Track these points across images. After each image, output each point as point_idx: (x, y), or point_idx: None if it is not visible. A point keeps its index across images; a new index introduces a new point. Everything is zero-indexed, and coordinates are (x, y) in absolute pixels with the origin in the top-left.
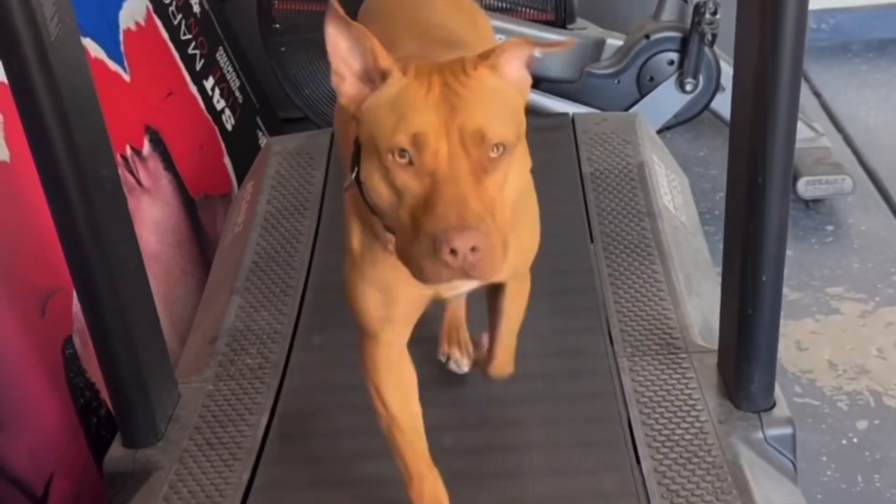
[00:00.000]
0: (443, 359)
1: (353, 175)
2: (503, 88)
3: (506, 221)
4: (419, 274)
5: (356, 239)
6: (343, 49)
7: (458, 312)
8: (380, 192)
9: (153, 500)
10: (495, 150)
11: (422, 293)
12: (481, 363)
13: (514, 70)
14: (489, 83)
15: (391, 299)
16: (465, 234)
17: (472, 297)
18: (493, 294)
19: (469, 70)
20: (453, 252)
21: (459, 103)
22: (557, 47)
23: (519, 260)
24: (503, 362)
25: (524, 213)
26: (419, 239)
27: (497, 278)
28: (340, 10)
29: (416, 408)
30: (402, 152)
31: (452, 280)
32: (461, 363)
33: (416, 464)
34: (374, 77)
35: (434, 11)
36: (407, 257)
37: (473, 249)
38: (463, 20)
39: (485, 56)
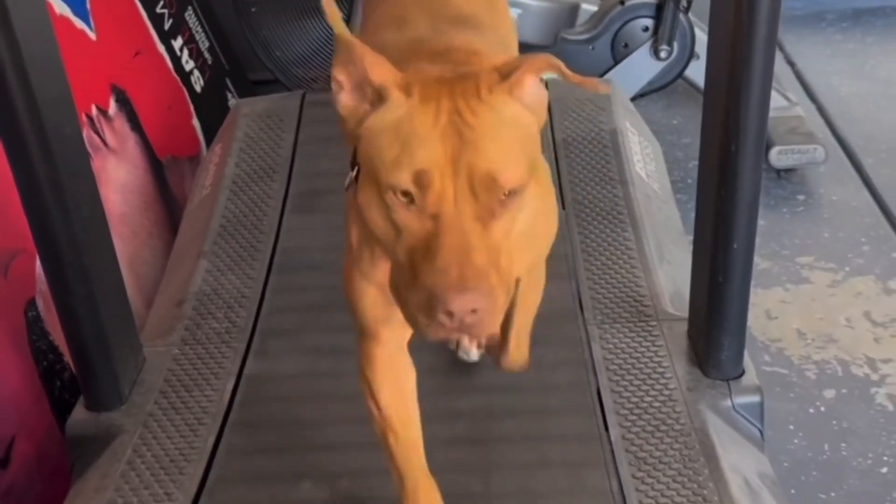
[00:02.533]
0: (452, 344)
1: (354, 174)
2: (520, 118)
3: (510, 267)
4: (413, 325)
5: (355, 236)
6: (340, 58)
7: None
8: (377, 224)
9: (116, 463)
10: (506, 195)
11: None
12: (494, 354)
13: (532, 88)
14: (505, 112)
15: (390, 299)
16: (465, 297)
17: None
18: None
19: (483, 94)
20: (450, 314)
21: (471, 137)
22: (583, 83)
23: (535, 256)
24: (518, 354)
25: (541, 206)
26: (415, 289)
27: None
28: (334, 10)
29: (412, 411)
30: (405, 192)
31: (448, 337)
32: (470, 351)
33: (410, 471)
34: (367, 92)
35: None
36: (401, 299)
37: (473, 311)
38: None
39: (503, 74)
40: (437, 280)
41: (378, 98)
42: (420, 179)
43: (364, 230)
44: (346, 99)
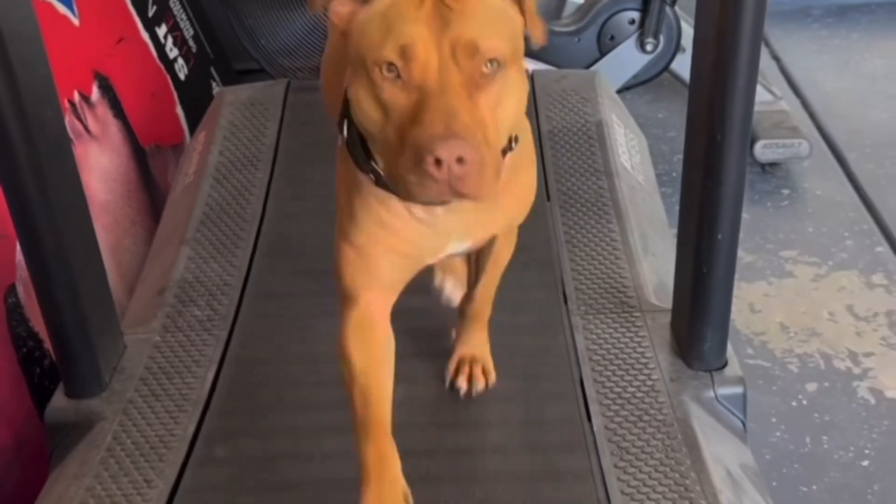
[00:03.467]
0: (435, 291)
1: (346, 132)
2: (503, 7)
3: (497, 143)
4: (406, 192)
5: (344, 201)
6: None
7: (457, 262)
8: (366, 110)
9: (96, 450)
10: (489, 65)
11: (405, 260)
12: (461, 306)
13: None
14: (491, 2)
15: (375, 265)
16: (451, 143)
17: None
18: (477, 254)
19: None
20: (438, 162)
21: (453, 16)
22: (531, 21)
23: (515, 210)
24: (483, 303)
25: (521, 159)
26: (404, 153)
27: (483, 199)
28: None
29: (384, 375)
30: (390, 66)
31: (441, 197)
32: (454, 296)
33: (365, 424)
34: None
35: None
36: (394, 177)
37: (460, 161)
38: None
39: None
40: (423, 133)
41: None
42: (405, 52)
43: (353, 194)
44: (340, 6)
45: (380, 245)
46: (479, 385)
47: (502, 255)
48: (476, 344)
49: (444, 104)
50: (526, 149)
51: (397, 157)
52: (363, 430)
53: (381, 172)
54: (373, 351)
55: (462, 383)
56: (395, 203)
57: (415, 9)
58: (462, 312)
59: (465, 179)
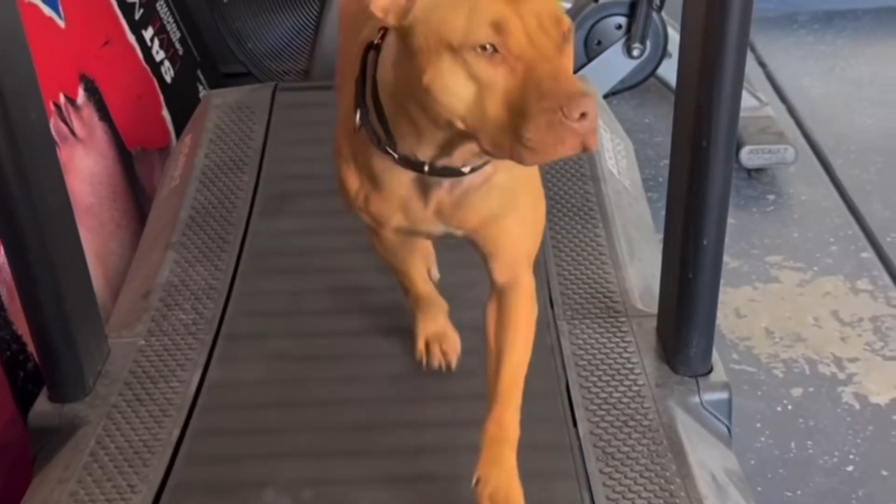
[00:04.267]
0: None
1: (359, 117)
2: None
3: None
4: (539, 148)
5: (352, 183)
6: None
7: (426, 244)
8: (457, 92)
9: (79, 455)
10: (566, 33)
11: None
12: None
13: None
14: None
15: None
16: (587, 99)
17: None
18: (491, 319)
19: None
20: (583, 116)
21: None
22: None
23: (519, 245)
24: (502, 420)
25: (526, 190)
26: (534, 118)
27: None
28: None
29: (417, 260)
30: (483, 45)
31: (574, 151)
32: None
33: (402, 272)
34: None
35: None
36: (509, 147)
37: (585, 115)
38: None
39: None
40: (559, 94)
41: None
42: (500, 27)
43: (363, 179)
44: (380, 1)
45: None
46: None
47: (520, 337)
48: (503, 469)
49: (552, 68)
50: (529, 177)
51: (513, 129)
52: (402, 275)
53: (398, 152)
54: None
55: None
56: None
57: None
58: (484, 430)
59: (594, 132)
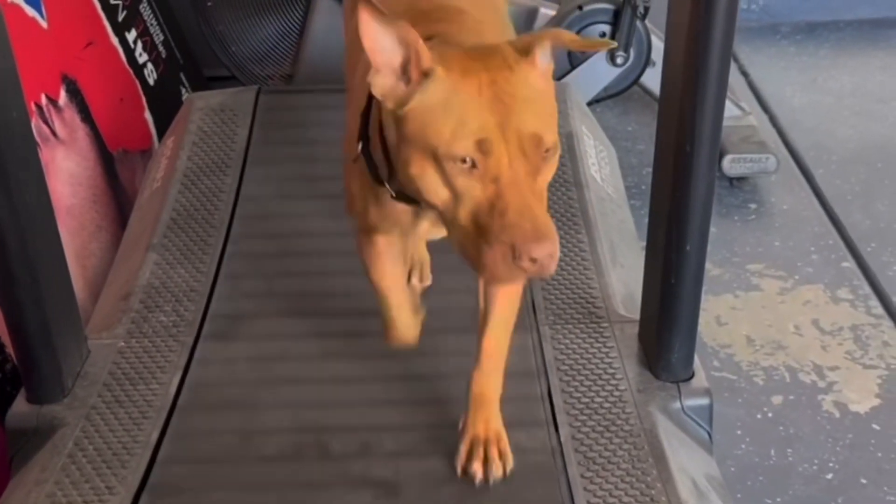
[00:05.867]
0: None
1: (360, 147)
2: (545, 87)
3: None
4: (490, 275)
5: (359, 200)
6: (380, 42)
7: (421, 248)
8: (435, 192)
9: (57, 456)
10: (547, 153)
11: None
12: (470, 382)
13: (544, 59)
14: (533, 82)
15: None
16: (543, 245)
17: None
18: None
19: (513, 66)
20: (533, 261)
21: (513, 104)
22: (595, 47)
23: None
24: (490, 374)
25: None
26: (492, 245)
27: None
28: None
29: (399, 270)
30: (464, 159)
31: (523, 280)
32: (417, 285)
33: (389, 297)
34: (413, 75)
35: None
36: (471, 257)
37: (550, 255)
38: None
39: (523, 50)
40: (516, 235)
41: (423, 76)
42: (482, 147)
43: (366, 192)
44: (384, 81)
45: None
46: (497, 471)
47: (507, 303)
48: (488, 419)
49: (521, 199)
50: None
51: (475, 244)
52: (380, 299)
53: (397, 190)
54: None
55: (477, 468)
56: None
57: (477, 96)
58: (471, 387)
59: (548, 267)
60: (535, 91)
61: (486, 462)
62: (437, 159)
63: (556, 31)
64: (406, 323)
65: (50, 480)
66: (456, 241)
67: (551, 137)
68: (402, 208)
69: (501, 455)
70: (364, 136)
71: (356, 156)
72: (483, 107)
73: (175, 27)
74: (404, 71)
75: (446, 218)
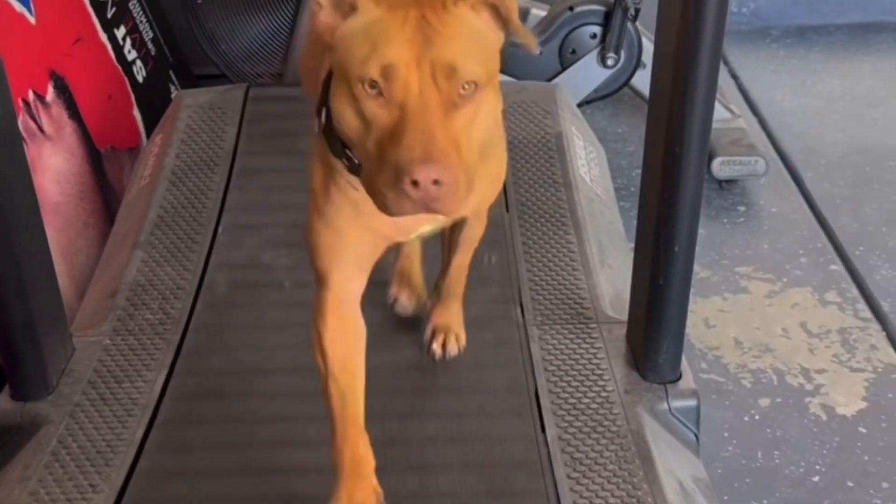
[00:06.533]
0: (390, 299)
1: (323, 118)
2: (481, 28)
3: (472, 159)
4: (382, 205)
5: (318, 180)
6: None
7: (412, 258)
8: (348, 121)
9: (41, 454)
10: (466, 87)
11: (377, 239)
12: (436, 283)
13: (488, 14)
14: (468, 21)
15: (346, 242)
16: (428, 167)
17: (427, 246)
18: (450, 232)
19: (449, 6)
20: (415, 183)
21: (434, 37)
22: (525, 36)
23: (486, 192)
24: (456, 279)
25: (491, 151)
26: (383, 170)
27: (457, 215)
28: None
29: (356, 363)
30: (373, 83)
31: (415, 213)
32: (406, 307)
33: (343, 424)
34: (344, 7)
35: None
36: (372, 188)
37: (436, 182)
38: None
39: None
40: (402, 155)
41: (351, 9)
42: (387, 71)
43: (326, 174)
44: (324, 17)
45: (353, 224)
46: (453, 350)
47: (473, 234)
48: (450, 315)
49: (423, 125)
50: (496, 131)
51: (376, 171)
52: (340, 429)
53: (355, 161)
54: (347, 338)
55: (437, 348)
56: None
57: (399, 27)
58: (437, 288)
59: (440, 199)
60: (468, 29)
61: (444, 346)
62: (350, 85)
63: None
64: (368, 471)
65: (33, 478)
66: (364, 179)
67: (472, 70)
68: (363, 196)
69: (457, 340)
70: (326, 104)
71: (321, 125)
72: (401, 37)
73: (164, 24)
74: (339, 4)
75: (361, 154)
